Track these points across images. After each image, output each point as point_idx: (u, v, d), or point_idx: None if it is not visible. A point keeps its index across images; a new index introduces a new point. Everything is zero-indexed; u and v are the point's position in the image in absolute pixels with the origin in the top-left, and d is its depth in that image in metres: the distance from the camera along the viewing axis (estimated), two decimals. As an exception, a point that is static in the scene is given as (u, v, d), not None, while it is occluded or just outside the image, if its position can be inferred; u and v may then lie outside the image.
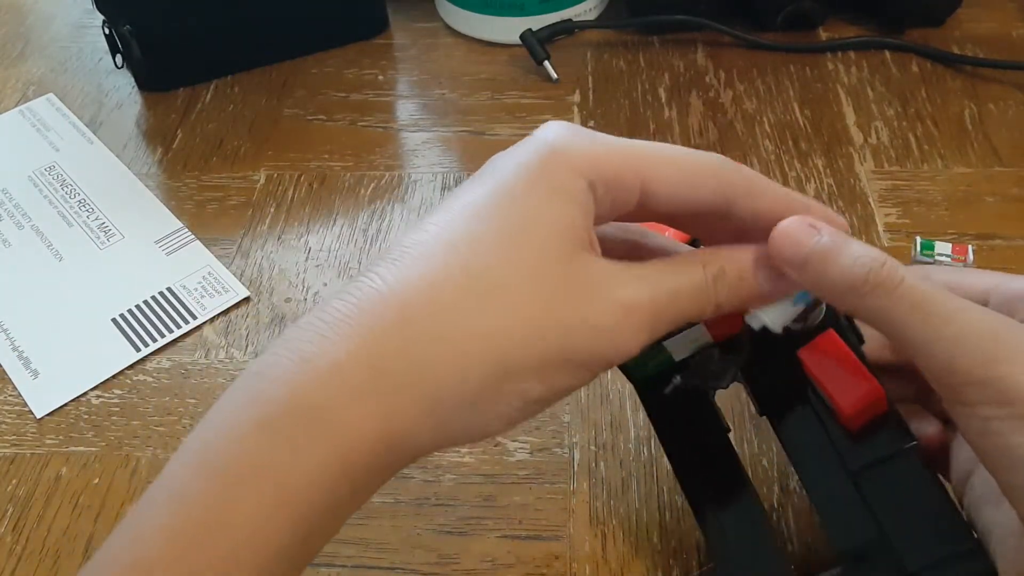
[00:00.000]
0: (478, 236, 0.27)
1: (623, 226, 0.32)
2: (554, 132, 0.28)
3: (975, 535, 0.30)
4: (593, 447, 0.43)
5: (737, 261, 0.29)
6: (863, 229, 0.52)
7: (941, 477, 0.33)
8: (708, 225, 0.31)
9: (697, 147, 0.57)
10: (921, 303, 0.28)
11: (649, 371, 0.36)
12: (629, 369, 0.36)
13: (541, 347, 0.26)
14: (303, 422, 0.25)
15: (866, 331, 0.34)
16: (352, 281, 0.27)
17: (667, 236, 0.34)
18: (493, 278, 0.26)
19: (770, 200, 0.29)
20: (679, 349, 0.35)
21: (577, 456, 0.43)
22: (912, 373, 0.33)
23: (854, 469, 0.32)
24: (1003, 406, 0.26)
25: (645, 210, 0.29)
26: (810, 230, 0.29)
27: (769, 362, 0.34)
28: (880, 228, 0.52)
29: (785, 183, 0.55)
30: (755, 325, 0.32)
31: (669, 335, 0.34)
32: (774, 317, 0.31)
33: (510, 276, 0.26)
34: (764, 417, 0.35)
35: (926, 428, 0.34)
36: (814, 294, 0.31)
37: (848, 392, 0.31)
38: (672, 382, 0.35)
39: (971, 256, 0.46)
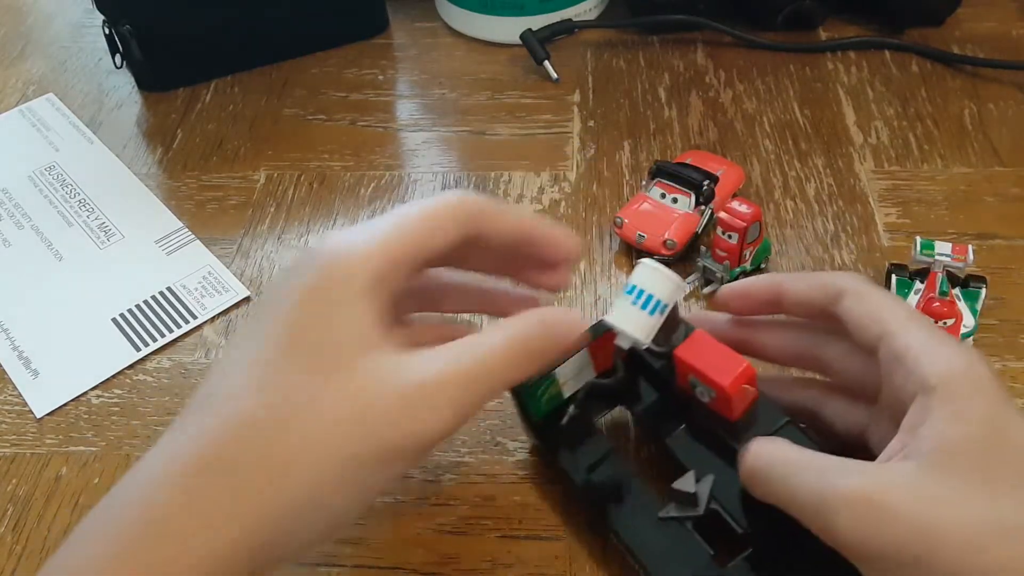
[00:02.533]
0: (278, 371, 0.30)
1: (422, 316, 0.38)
2: (324, 250, 0.31)
3: None
4: (593, 447, 0.43)
5: (533, 321, 0.33)
6: (863, 229, 0.52)
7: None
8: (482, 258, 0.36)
9: (697, 147, 0.57)
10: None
11: (543, 408, 0.39)
12: (527, 411, 0.39)
13: (349, 448, 0.29)
14: (151, 542, 0.28)
15: None
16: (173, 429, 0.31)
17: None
18: (295, 404, 0.29)
19: (510, 218, 0.34)
20: (568, 384, 0.38)
21: (577, 456, 0.43)
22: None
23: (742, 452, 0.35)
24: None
25: (431, 263, 0.34)
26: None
27: (652, 379, 0.39)
28: (880, 228, 0.52)
29: (785, 183, 0.55)
30: (624, 345, 0.35)
31: (557, 365, 0.37)
32: (636, 332, 0.35)
33: (311, 398, 0.29)
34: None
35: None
36: (666, 299, 0.36)
37: (725, 371, 0.35)
38: (568, 413, 0.38)
39: (971, 256, 0.46)
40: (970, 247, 0.46)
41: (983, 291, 0.46)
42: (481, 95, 0.63)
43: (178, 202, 0.57)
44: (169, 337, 0.49)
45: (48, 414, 0.46)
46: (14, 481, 0.43)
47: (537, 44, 0.63)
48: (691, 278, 0.49)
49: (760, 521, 0.36)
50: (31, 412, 0.46)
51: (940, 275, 0.46)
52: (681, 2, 0.64)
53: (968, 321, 0.45)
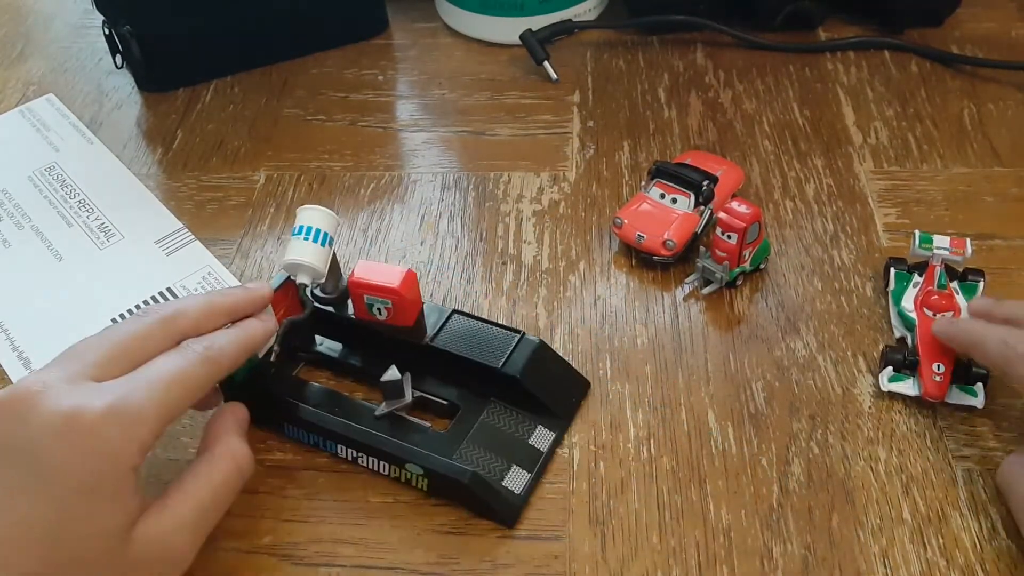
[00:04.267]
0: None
1: None
2: (88, 430, 0.33)
3: (520, 330, 0.44)
4: (593, 447, 0.43)
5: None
6: (862, 229, 0.52)
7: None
8: None
9: (697, 147, 0.57)
10: None
11: (243, 371, 0.42)
12: (226, 388, 0.42)
13: None
14: None
15: None
16: None
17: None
18: None
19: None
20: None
21: (577, 456, 0.43)
22: None
23: (427, 343, 0.44)
24: None
25: None
26: None
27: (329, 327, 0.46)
28: (879, 228, 0.52)
29: (785, 183, 0.55)
30: (306, 280, 0.42)
31: None
32: (316, 262, 0.42)
33: None
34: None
35: None
36: (331, 231, 0.43)
37: (394, 278, 0.43)
38: (272, 350, 0.43)
39: (969, 249, 0.46)
40: (968, 240, 0.46)
41: (981, 284, 0.47)
42: (481, 95, 0.63)
43: (178, 202, 0.57)
44: (169, 337, 0.49)
45: (48, 414, 0.46)
46: (14, 481, 0.43)
47: (537, 44, 0.63)
48: (691, 278, 0.49)
49: (454, 390, 0.44)
50: (31, 412, 0.46)
51: (939, 268, 0.46)
52: (681, 2, 0.64)
53: (966, 314, 0.45)
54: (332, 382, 0.46)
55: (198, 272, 0.52)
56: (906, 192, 0.54)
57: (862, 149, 0.57)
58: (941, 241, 0.46)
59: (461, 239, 0.53)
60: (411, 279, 0.43)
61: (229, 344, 0.39)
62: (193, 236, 0.55)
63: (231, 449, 0.38)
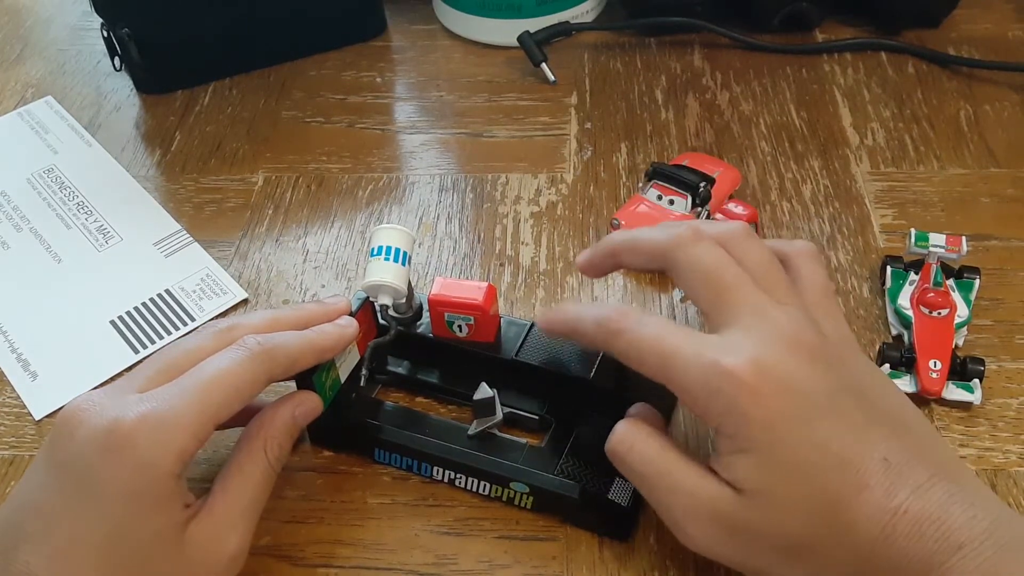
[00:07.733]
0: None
1: None
2: (130, 445, 0.33)
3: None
4: (590, 448, 0.43)
5: (271, 425, 0.38)
6: (859, 230, 0.52)
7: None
8: None
9: (694, 149, 0.57)
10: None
11: (328, 397, 0.41)
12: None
13: None
14: None
15: None
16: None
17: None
18: None
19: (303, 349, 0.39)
20: (342, 367, 0.42)
21: (574, 457, 0.43)
22: None
23: (512, 356, 0.43)
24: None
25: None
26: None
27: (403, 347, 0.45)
28: (876, 229, 0.52)
29: (781, 184, 0.55)
30: (387, 301, 0.41)
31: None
32: (398, 281, 0.41)
33: None
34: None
35: None
36: (408, 249, 0.42)
37: (475, 294, 0.42)
38: (363, 376, 0.42)
39: (965, 247, 0.46)
40: (964, 238, 0.47)
41: (977, 281, 0.47)
42: (479, 97, 0.63)
43: (176, 204, 0.57)
44: (167, 339, 0.49)
45: (47, 416, 0.46)
46: (12, 483, 0.44)
47: (534, 46, 0.64)
48: (688, 279, 0.50)
49: (547, 403, 0.43)
50: (30, 414, 0.46)
51: (935, 266, 0.46)
52: (678, 4, 0.64)
53: (962, 311, 0.45)
54: (405, 401, 0.46)
55: (196, 274, 0.52)
56: (903, 193, 0.54)
57: (859, 150, 0.57)
58: (937, 239, 0.47)
59: (459, 240, 0.53)
60: (492, 294, 0.42)
61: (291, 339, 0.37)
62: (191, 238, 0.55)
63: (266, 445, 0.38)
